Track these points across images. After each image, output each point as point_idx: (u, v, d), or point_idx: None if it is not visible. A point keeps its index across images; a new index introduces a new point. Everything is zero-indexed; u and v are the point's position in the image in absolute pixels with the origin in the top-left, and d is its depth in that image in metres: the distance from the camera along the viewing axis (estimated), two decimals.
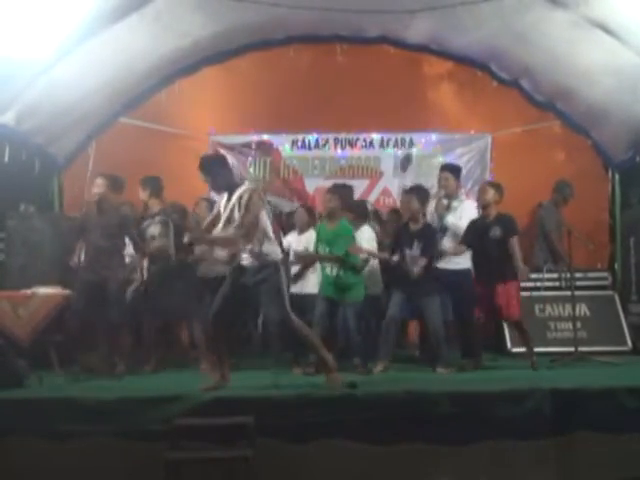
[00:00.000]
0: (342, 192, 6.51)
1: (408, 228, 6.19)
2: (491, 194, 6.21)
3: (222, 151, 8.02)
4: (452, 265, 6.35)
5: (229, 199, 5.17)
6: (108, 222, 6.10)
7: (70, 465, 4.62)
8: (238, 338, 6.73)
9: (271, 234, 5.25)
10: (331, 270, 6.11)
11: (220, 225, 5.16)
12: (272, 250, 5.19)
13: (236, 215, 5.07)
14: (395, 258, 6.13)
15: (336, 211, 6.18)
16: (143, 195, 6.53)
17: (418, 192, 6.29)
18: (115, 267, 6.11)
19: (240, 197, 5.08)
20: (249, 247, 5.13)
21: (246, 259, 5.18)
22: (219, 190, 5.31)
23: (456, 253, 6.35)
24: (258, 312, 6.68)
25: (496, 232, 6.08)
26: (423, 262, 5.97)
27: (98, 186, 6.15)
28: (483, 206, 6.24)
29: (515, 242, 6.08)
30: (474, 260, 6.29)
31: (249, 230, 5.06)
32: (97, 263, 6.06)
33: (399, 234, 6.28)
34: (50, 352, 5.99)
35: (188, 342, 7.02)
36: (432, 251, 6.08)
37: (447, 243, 6.39)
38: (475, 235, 6.22)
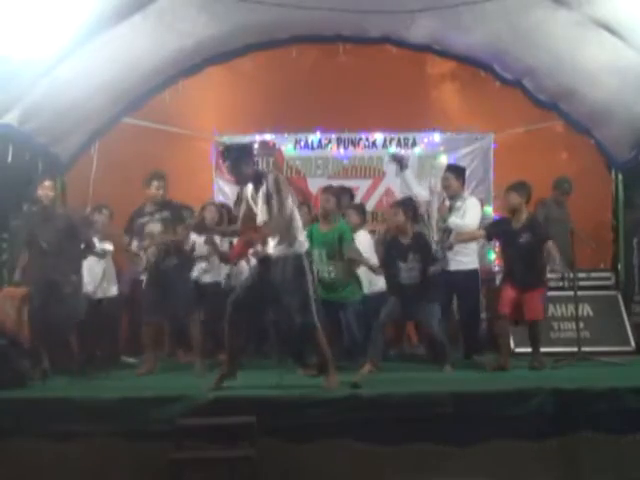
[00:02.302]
0: (340, 194, 6.44)
1: (399, 242, 6.08)
2: (514, 198, 6.04)
3: None
4: (460, 266, 6.36)
5: (257, 190, 5.02)
6: (55, 228, 6.01)
7: (73, 465, 4.62)
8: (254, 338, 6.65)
9: (299, 221, 5.11)
10: (328, 272, 6.09)
11: (260, 217, 5.01)
12: (298, 240, 5.03)
13: (270, 203, 4.93)
14: (378, 273, 6.14)
15: (332, 212, 6.14)
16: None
17: (404, 205, 6.17)
18: (67, 271, 5.99)
19: (267, 184, 4.94)
20: (278, 234, 4.97)
21: (273, 248, 5.03)
22: (244, 182, 5.13)
23: (473, 237, 6.30)
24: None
25: (527, 239, 5.97)
26: (436, 269, 5.96)
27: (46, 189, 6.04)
28: (510, 211, 6.14)
29: (551, 245, 6.00)
30: (504, 264, 6.27)
31: (280, 217, 4.90)
32: (45, 267, 5.94)
33: (389, 249, 6.18)
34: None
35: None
36: (430, 259, 6.03)
37: (464, 221, 6.31)
38: (501, 237, 6.20)
